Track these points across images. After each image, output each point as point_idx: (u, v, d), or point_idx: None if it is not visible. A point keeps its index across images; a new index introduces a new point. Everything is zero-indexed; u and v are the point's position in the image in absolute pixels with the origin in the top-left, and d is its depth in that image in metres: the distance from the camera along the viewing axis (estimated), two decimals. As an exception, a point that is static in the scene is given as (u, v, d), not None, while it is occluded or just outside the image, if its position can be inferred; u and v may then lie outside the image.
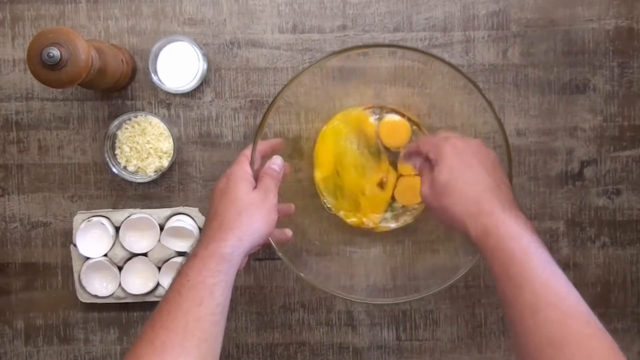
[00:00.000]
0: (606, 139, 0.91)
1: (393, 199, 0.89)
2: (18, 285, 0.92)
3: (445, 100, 0.85)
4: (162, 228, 0.89)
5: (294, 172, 0.89)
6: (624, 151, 0.91)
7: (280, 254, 0.78)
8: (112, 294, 0.89)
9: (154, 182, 0.91)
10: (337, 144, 0.88)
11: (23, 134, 0.91)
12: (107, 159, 0.88)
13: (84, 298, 0.90)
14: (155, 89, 0.90)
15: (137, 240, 0.89)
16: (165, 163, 0.89)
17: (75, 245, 0.89)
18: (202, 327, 0.64)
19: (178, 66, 0.88)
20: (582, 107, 0.90)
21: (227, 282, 0.68)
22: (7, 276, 0.92)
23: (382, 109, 0.89)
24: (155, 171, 0.89)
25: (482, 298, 0.92)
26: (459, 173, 0.69)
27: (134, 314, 0.92)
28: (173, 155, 0.89)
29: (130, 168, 0.89)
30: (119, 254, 0.89)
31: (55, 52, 0.70)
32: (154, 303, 0.90)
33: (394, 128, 0.88)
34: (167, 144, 0.89)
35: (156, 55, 0.88)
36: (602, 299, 0.91)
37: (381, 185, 0.88)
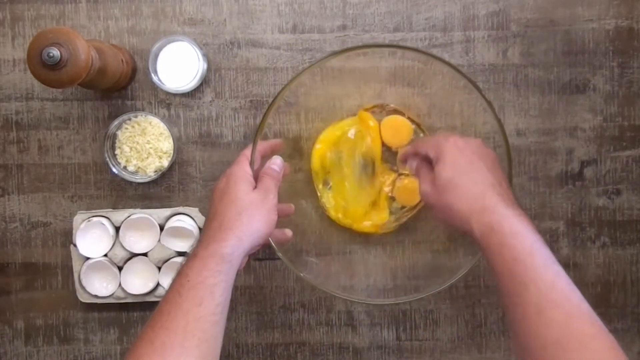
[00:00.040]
0: (606, 139, 0.91)
1: (392, 198, 0.89)
2: (18, 285, 0.92)
3: (445, 100, 0.85)
4: (162, 228, 0.89)
5: (294, 172, 0.89)
6: (624, 151, 0.91)
7: (280, 254, 0.78)
8: (112, 294, 0.89)
9: (154, 182, 0.91)
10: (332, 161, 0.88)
11: (23, 134, 0.91)
12: (107, 159, 0.88)
13: (84, 298, 0.90)
14: (155, 89, 0.90)
15: (137, 240, 0.89)
16: (165, 163, 0.89)
17: (75, 245, 0.89)
18: (202, 327, 0.64)
19: (178, 66, 0.88)
20: (582, 107, 0.90)
21: (227, 282, 0.68)
22: (7, 276, 0.92)
23: (382, 110, 0.89)
24: (155, 171, 0.89)
25: (482, 298, 0.92)
26: (462, 169, 0.69)
27: (134, 314, 0.92)
28: (173, 155, 0.89)
29: (130, 168, 0.89)
30: (119, 254, 0.89)
31: (55, 52, 0.70)
32: (154, 303, 0.90)
33: (396, 127, 0.88)
34: (167, 144, 0.89)
35: (156, 55, 0.88)
36: (602, 299, 0.91)
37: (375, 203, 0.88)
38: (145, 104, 0.91)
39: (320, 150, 0.88)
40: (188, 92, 0.90)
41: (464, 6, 0.90)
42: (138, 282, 0.89)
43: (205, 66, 0.89)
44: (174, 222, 0.88)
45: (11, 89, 0.90)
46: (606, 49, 0.90)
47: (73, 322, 0.92)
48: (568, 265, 0.91)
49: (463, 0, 0.89)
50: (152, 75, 0.87)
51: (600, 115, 0.90)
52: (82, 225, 0.88)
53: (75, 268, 0.89)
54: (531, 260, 0.61)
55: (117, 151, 0.89)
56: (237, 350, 0.92)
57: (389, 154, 0.89)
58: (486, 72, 0.90)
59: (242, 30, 0.90)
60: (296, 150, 0.89)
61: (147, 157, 0.88)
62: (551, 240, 0.91)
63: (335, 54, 0.78)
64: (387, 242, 0.90)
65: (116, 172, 0.88)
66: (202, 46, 0.90)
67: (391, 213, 0.89)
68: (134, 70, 0.90)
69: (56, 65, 0.71)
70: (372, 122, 0.87)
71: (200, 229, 0.89)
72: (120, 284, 0.89)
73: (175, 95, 0.90)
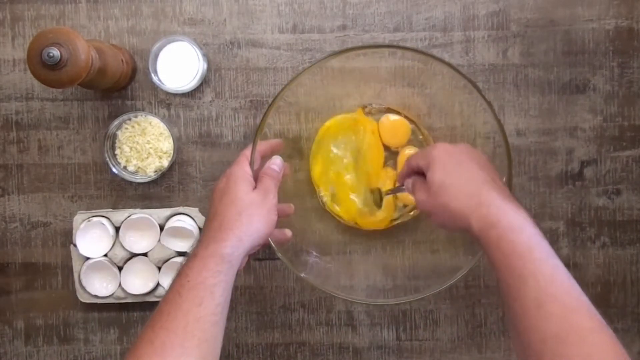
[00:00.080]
0: (606, 139, 0.91)
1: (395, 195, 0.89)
2: (18, 285, 0.92)
3: (445, 100, 0.85)
4: (162, 228, 0.89)
5: (294, 172, 0.89)
6: (624, 151, 0.91)
7: (279, 255, 0.78)
8: (112, 294, 0.89)
9: (154, 182, 0.91)
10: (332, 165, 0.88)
11: (23, 134, 0.91)
12: (107, 159, 0.88)
13: (84, 298, 0.90)
14: (155, 89, 0.90)
15: (137, 241, 0.89)
16: (165, 163, 0.89)
17: (75, 245, 0.89)
18: (202, 327, 0.64)
19: (178, 66, 0.88)
20: (582, 107, 0.90)
21: (227, 282, 0.68)
22: (7, 276, 0.92)
23: (378, 109, 0.89)
24: (155, 171, 0.89)
25: (482, 298, 0.92)
26: (452, 170, 0.69)
27: (134, 314, 0.92)
28: (173, 155, 0.89)
29: (130, 168, 0.89)
30: (119, 254, 0.89)
31: (55, 52, 0.70)
32: (154, 303, 0.90)
33: (394, 127, 0.88)
34: (167, 144, 0.88)
35: (156, 55, 0.88)
36: (602, 299, 0.91)
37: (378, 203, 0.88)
38: (145, 104, 0.91)
39: (320, 147, 0.88)
40: (188, 92, 0.90)
41: (464, 6, 0.90)
42: (138, 282, 0.89)
43: (205, 66, 0.89)
44: (174, 222, 0.88)
45: (11, 89, 0.90)
46: (606, 49, 0.90)
47: (73, 322, 0.92)
48: (568, 265, 0.91)
49: (463, 0, 0.89)
50: (152, 75, 0.87)
51: (600, 115, 0.90)
52: (82, 225, 0.88)
53: (75, 268, 0.89)
54: (530, 254, 0.61)
55: (117, 151, 0.89)
56: (237, 350, 0.92)
57: (389, 152, 0.89)
58: (486, 72, 0.90)
59: (242, 30, 0.90)
60: (296, 150, 0.89)
61: (147, 157, 0.88)
62: (551, 240, 0.90)
63: (335, 54, 0.78)
64: (387, 242, 0.90)
65: (116, 172, 0.88)
66: (202, 46, 0.90)
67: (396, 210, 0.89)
68: (134, 70, 0.90)
69: (56, 65, 0.71)
70: (369, 123, 0.87)
71: (200, 229, 0.89)
72: (120, 284, 0.89)
73: (175, 95, 0.90)
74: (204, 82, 0.90)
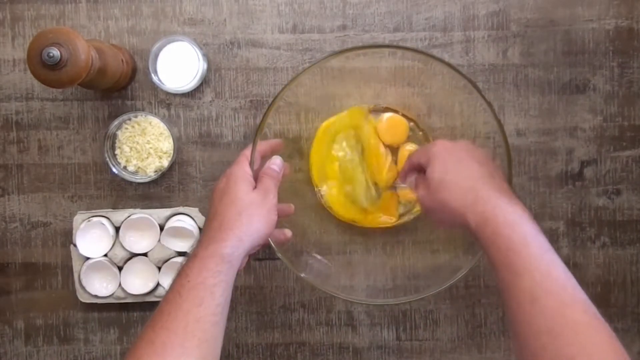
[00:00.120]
0: (606, 139, 0.91)
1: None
2: (18, 285, 0.92)
3: (445, 100, 0.85)
4: (162, 228, 0.89)
5: (294, 172, 0.89)
6: (624, 151, 0.91)
7: (280, 255, 0.78)
8: (112, 294, 0.89)
9: (154, 182, 0.91)
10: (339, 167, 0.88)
11: (23, 134, 0.91)
12: (107, 159, 0.88)
13: (84, 298, 0.90)
14: (155, 89, 0.90)
15: (137, 241, 0.89)
16: (165, 163, 0.89)
17: (75, 245, 0.89)
18: (203, 327, 0.64)
19: (178, 66, 0.88)
20: (582, 107, 0.90)
21: (227, 282, 0.68)
22: (7, 276, 0.92)
23: (377, 108, 0.89)
24: (155, 171, 0.89)
25: (482, 298, 0.92)
26: (451, 167, 0.69)
27: (134, 314, 0.92)
28: (173, 155, 0.89)
29: (130, 168, 0.89)
30: (119, 254, 0.89)
31: (55, 52, 0.70)
32: (154, 303, 0.90)
33: (392, 125, 0.88)
34: (167, 144, 0.89)
35: (156, 55, 0.88)
36: (602, 299, 0.91)
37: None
38: (145, 104, 0.91)
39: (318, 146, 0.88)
40: (188, 92, 0.90)
41: (464, 6, 0.90)
42: (138, 282, 0.89)
43: (205, 66, 0.89)
44: (174, 222, 0.88)
45: (11, 89, 0.90)
46: (606, 49, 0.90)
47: (73, 322, 0.92)
48: (568, 265, 0.90)
49: (463, 0, 0.89)
50: (152, 75, 0.87)
51: (600, 115, 0.90)
52: (82, 225, 0.88)
53: (75, 268, 0.89)
54: (526, 250, 0.61)
55: (117, 151, 0.89)
56: (237, 350, 0.92)
57: (389, 150, 0.89)
58: (486, 72, 0.90)
59: (242, 30, 0.90)
60: (296, 150, 0.89)
61: (147, 157, 0.88)
62: (551, 240, 0.89)
63: (335, 54, 0.78)
64: (387, 242, 0.90)
65: (116, 172, 0.88)
66: (202, 46, 0.90)
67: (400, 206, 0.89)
68: (134, 70, 0.90)
69: (56, 65, 0.71)
70: (369, 121, 0.88)
71: (200, 229, 0.89)
72: (120, 284, 0.89)
73: (175, 95, 0.90)
74: (204, 82, 0.90)
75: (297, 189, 0.89)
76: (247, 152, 0.76)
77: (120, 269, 0.89)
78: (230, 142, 0.91)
